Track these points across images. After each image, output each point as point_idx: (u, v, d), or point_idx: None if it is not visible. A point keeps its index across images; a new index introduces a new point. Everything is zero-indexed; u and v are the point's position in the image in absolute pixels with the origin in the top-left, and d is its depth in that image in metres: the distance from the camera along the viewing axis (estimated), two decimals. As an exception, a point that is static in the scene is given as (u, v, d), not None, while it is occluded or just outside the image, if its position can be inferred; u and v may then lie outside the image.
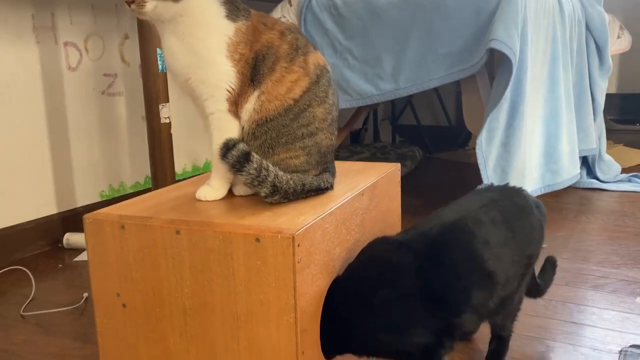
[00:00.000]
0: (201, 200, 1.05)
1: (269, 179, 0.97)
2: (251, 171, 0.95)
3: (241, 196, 1.07)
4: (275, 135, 1.01)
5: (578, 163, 2.35)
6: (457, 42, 1.88)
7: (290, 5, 2.16)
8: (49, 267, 1.82)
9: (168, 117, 1.84)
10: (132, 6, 0.95)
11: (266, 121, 1.01)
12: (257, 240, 0.87)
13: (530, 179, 2.08)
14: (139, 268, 0.97)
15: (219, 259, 0.90)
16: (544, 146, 2.16)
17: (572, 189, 2.57)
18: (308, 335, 0.91)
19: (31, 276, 1.68)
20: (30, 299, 1.58)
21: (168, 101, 1.83)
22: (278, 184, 0.98)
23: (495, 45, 1.72)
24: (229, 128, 1.02)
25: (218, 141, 1.01)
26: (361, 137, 3.69)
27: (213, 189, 1.05)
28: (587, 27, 2.58)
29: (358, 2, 2.03)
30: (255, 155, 0.97)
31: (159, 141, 1.84)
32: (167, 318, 0.97)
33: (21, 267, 1.76)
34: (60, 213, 2.02)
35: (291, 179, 1.00)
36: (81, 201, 2.10)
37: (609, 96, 3.25)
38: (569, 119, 2.28)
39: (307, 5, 2.10)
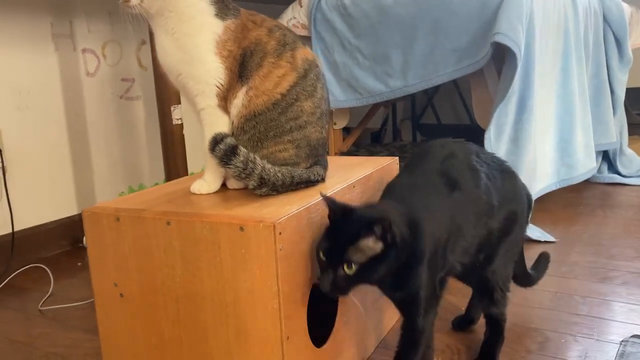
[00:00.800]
0: (195, 194, 1.09)
1: (256, 171, 1.00)
2: (238, 164, 0.98)
3: (234, 189, 1.11)
4: (263, 129, 1.04)
5: (594, 156, 2.32)
6: (463, 37, 1.88)
7: (301, 7, 2.19)
8: (68, 266, 1.88)
9: (180, 119, 1.89)
10: (120, 1, 1.00)
11: (254, 115, 1.04)
12: (241, 229, 0.90)
13: (544, 174, 2.06)
14: (134, 259, 1.01)
15: (206, 248, 0.93)
16: (557, 141, 2.14)
17: (592, 184, 2.53)
18: (293, 321, 0.93)
19: (50, 274, 1.75)
20: (48, 294, 1.65)
21: (180, 103, 1.88)
22: (265, 177, 1.01)
23: (498, 39, 1.71)
24: (219, 123, 1.05)
25: (209, 136, 1.04)
26: (381, 137, 3.70)
27: (206, 182, 1.09)
28: (605, 20, 2.54)
29: (366, 1, 2.05)
30: (242, 149, 1.00)
31: (172, 142, 1.89)
32: (161, 307, 1.00)
33: (42, 265, 1.83)
34: (80, 214, 2.09)
35: (279, 171, 1.03)
36: (101, 202, 2.17)
37: (635, 90, 3.18)
38: (583, 112, 2.25)
39: (316, 6, 2.13)
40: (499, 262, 1.09)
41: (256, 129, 1.04)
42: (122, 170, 2.25)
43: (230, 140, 0.99)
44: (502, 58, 1.89)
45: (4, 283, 1.74)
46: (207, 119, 1.06)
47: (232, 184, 1.10)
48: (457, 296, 1.43)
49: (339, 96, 2.15)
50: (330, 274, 0.89)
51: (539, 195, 2.03)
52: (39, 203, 1.98)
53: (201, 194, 1.09)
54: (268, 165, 1.02)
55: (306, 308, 0.97)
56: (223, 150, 0.98)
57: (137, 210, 1.00)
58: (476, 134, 1.88)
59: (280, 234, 0.89)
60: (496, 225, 1.06)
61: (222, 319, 0.95)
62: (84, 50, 2.10)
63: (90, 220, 1.04)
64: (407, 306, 0.99)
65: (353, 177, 1.15)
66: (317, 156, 1.11)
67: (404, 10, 1.98)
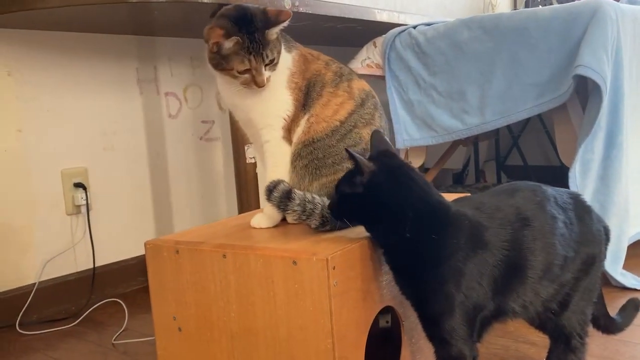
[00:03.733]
0: (255, 228, 1.08)
1: (317, 211, 0.98)
2: (295, 208, 0.97)
3: (294, 224, 1.08)
4: (321, 156, 1.03)
5: (698, 198, 2.11)
6: (544, 71, 1.79)
7: (375, 47, 2.19)
8: (144, 301, 1.92)
9: (253, 158, 1.91)
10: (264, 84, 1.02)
11: (312, 142, 1.04)
12: (294, 263, 0.87)
13: (638, 216, 1.89)
14: (191, 292, 1.00)
15: (260, 282, 0.91)
16: (654, 179, 1.97)
17: (697, 228, 2.30)
18: (348, 362, 0.88)
19: (125, 309, 1.80)
20: (122, 329, 1.68)
21: (252, 143, 1.91)
22: (327, 214, 0.98)
23: (581, 71, 1.62)
24: (281, 153, 1.06)
25: (271, 167, 1.06)
26: (463, 178, 3.59)
27: (266, 216, 1.08)
28: None
29: (441, 39, 2.01)
30: (297, 192, 0.98)
31: (245, 180, 1.92)
32: (217, 342, 0.99)
33: (118, 300, 1.88)
34: (159, 251, 2.15)
35: None
36: (179, 240, 2.22)
37: None
38: (684, 149, 2.07)
39: (390, 45, 2.12)
40: (576, 307, 1.00)
41: (314, 154, 1.03)
42: (199, 208, 2.31)
43: (283, 186, 0.98)
44: (587, 92, 1.79)
45: (83, 316, 1.80)
46: (270, 150, 1.07)
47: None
48: (535, 347, 1.32)
49: (414, 134, 2.11)
50: (335, 196, 0.96)
51: (634, 240, 1.87)
52: (119, 240, 2.06)
53: (261, 228, 1.08)
54: (328, 202, 1.00)
55: (363, 350, 0.92)
56: (278, 198, 0.98)
57: (195, 242, 1.00)
58: (566, 177, 1.76)
59: (334, 268, 0.85)
60: (570, 276, 0.98)
61: (275, 357, 0.92)
62: (166, 94, 2.19)
63: (152, 252, 1.05)
64: (432, 327, 0.92)
65: (418, 213, 1.09)
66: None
67: (481, 45, 1.93)
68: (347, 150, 0.90)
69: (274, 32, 1.00)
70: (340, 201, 0.94)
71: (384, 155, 0.95)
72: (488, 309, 0.91)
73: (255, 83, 1.00)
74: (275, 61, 1.02)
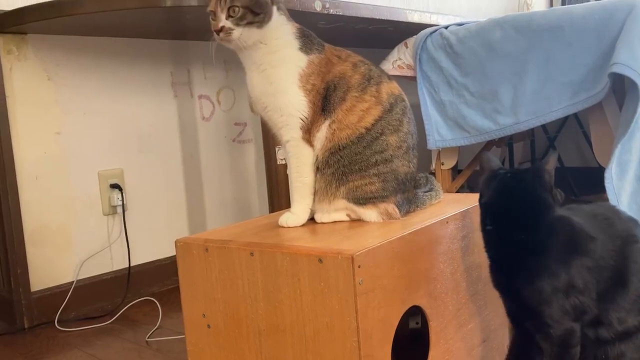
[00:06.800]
0: (283, 227, 1.09)
1: None
2: None
3: (322, 223, 1.09)
4: (347, 163, 1.03)
5: None
6: (579, 69, 1.76)
7: (406, 47, 2.18)
8: (177, 300, 1.94)
9: (284, 159, 1.93)
10: (221, 34, 1.03)
11: (338, 149, 1.03)
12: (320, 261, 0.88)
13: (679, 217, 1.83)
14: (220, 289, 1.02)
15: (287, 280, 0.92)
16: (696, 181, 1.91)
17: None
18: (374, 361, 0.88)
19: (159, 307, 1.83)
20: (156, 327, 1.72)
21: (284, 143, 1.93)
22: None
23: (618, 69, 1.58)
24: (304, 155, 1.06)
25: (295, 168, 1.06)
26: (498, 180, 3.54)
27: (294, 215, 1.09)
28: None
29: (473, 39, 1.99)
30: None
31: (276, 181, 1.93)
32: (245, 339, 1.00)
33: (153, 299, 1.92)
34: (192, 251, 2.18)
35: None
36: (212, 240, 2.25)
37: None
38: None
39: (422, 46, 2.11)
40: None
41: (340, 162, 1.04)
42: (232, 209, 2.34)
43: None
44: (624, 90, 1.75)
45: (118, 314, 1.85)
46: (292, 150, 1.07)
47: (321, 217, 1.09)
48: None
49: (446, 135, 2.09)
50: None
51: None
52: (154, 240, 2.10)
53: (288, 227, 1.08)
54: None
55: (389, 349, 0.92)
56: None
57: (224, 241, 1.02)
58: (603, 179, 1.72)
59: (359, 267, 0.85)
60: None
61: (302, 355, 0.92)
62: (200, 97, 2.23)
63: (182, 251, 1.07)
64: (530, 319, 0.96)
65: (446, 213, 1.09)
66: (406, 191, 1.07)
67: (514, 45, 1.90)
68: (481, 154, 1.00)
69: None
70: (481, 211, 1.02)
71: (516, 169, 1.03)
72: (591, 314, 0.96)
73: (213, 27, 1.02)
74: (239, 14, 1.01)
